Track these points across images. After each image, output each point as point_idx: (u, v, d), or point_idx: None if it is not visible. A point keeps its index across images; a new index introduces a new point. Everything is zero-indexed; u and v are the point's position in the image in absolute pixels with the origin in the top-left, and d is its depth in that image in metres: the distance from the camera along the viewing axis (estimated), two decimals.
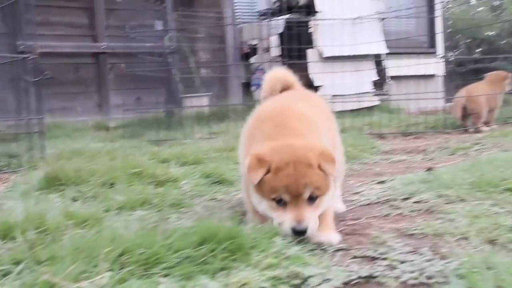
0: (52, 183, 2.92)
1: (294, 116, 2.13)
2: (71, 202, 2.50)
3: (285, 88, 2.62)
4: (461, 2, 10.26)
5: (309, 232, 1.87)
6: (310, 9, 9.10)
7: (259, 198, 1.94)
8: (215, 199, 2.87)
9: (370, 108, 8.68)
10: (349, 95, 8.58)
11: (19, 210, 2.09)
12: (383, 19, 9.56)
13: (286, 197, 1.88)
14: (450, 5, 13.32)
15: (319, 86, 8.91)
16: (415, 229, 2.03)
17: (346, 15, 8.60)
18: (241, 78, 9.57)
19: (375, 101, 9.14)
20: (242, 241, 1.77)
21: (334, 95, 8.63)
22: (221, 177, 3.36)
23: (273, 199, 1.90)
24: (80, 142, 5.83)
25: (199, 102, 8.00)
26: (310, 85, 8.90)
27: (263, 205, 1.94)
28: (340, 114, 7.48)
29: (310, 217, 1.87)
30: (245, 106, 8.16)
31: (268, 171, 1.89)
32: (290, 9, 9.06)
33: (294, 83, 2.67)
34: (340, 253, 1.86)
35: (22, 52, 6.79)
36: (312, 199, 1.90)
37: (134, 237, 1.75)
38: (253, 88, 9.57)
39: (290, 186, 1.86)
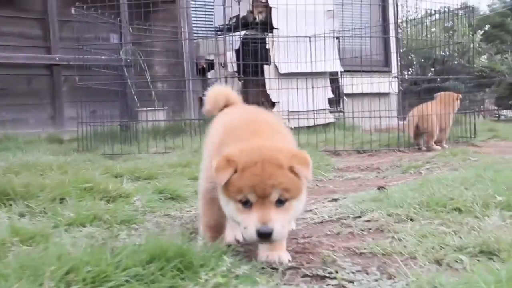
0: None
1: (267, 125, 2.06)
2: (18, 217, 2.43)
3: (228, 104, 2.58)
4: (415, 22, 10.53)
5: (275, 236, 1.74)
6: (267, 26, 9.20)
7: (225, 200, 1.83)
8: (168, 215, 2.84)
9: (325, 125, 8.80)
10: (304, 111, 8.67)
11: None
12: (338, 37, 9.74)
13: (252, 198, 1.76)
14: (404, 25, 13.68)
15: (275, 102, 8.98)
16: (365, 248, 2.06)
17: (302, 33, 8.71)
18: (198, 92, 9.55)
19: (330, 118, 9.28)
20: (191, 259, 1.75)
21: (290, 111, 8.72)
22: (175, 193, 3.34)
23: (240, 201, 1.78)
24: (32, 155, 5.70)
25: (155, 116, 7.94)
26: (268, 100, 8.98)
27: (230, 208, 1.82)
28: (296, 130, 7.57)
29: (277, 219, 1.74)
30: (202, 120, 8.16)
31: (235, 171, 1.79)
32: (247, 25, 9.13)
33: (236, 100, 2.64)
34: (290, 271, 1.87)
35: None
36: (281, 202, 1.78)
37: (82, 255, 1.71)
38: None
39: (256, 186, 1.75)
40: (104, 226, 2.35)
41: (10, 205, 2.76)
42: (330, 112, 9.60)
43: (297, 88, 8.62)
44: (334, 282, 1.72)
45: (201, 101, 9.62)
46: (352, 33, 9.51)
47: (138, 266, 1.70)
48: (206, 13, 10.66)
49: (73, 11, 6.52)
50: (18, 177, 3.21)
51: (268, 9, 9.33)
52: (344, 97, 9.86)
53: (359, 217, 2.61)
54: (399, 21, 10.99)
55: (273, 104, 9.06)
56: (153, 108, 8.29)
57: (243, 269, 1.73)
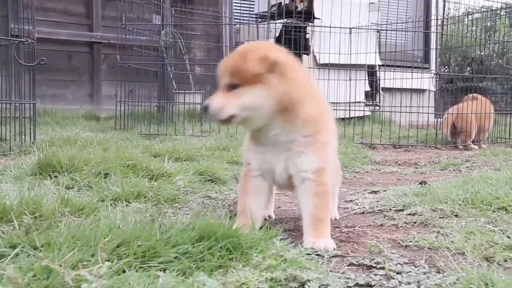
0: (45, 169, 2.89)
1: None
2: (66, 189, 2.47)
3: None
4: (454, 20, 10.32)
5: (210, 111, 1.91)
6: (308, 15, 9.13)
7: None
8: (209, 197, 2.86)
9: (360, 118, 8.73)
10: (340, 103, 8.61)
11: (14, 194, 2.06)
12: (379, 31, 9.63)
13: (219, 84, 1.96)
14: (444, 23, 13.44)
15: None
16: (410, 241, 2.04)
17: (343, 24, 8.62)
18: None
19: (366, 111, 9.20)
20: (240, 241, 1.76)
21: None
22: (214, 175, 3.36)
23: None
24: (71, 130, 5.79)
25: (192, 99, 7.97)
26: None
27: None
28: None
29: (216, 98, 1.92)
30: None
31: None
32: (287, 14, 9.08)
33: None
34: (336, 259, 1.86)
35: (15, 36, 6.72)
36: (233, 87, 1.91)
37: (132, 229, 1.73)
38: None
39: (218, 73, 1.95)
40: (150, 203, 2.37)
41: (56, 177, 2.81)
42: (366, 105, 9.51)
43: (335, 79, 8.57)
44: (381, 272, 1.70)
45: None
46: (396, 26, 9.36)
47: (187, 244, 1.71)
48: None
49: None
50: (62, 150, 3.25)
51: None
52: (381, 91, 9.76)
53: (402, 210, 2.58)
54: (440, 17, 10.80)
55: None
56: (191, 91, 8.33)
57: (292, 253, 1.73)
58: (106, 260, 1.57)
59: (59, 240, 1.66)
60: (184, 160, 4.02)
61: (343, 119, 8.13)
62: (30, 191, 2.15)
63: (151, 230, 1.74)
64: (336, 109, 8.18)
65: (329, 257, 1.88)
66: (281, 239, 1.89)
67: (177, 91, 8.10)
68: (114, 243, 1.65)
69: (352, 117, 8.44)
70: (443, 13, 8.45)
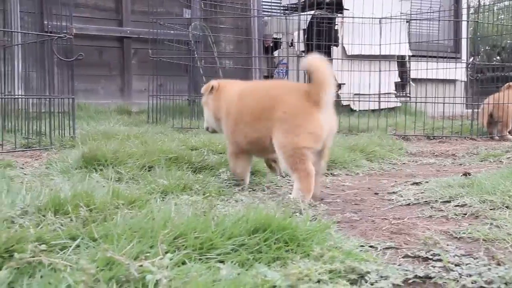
0: (90, 163, 2.92)
1: None
2: (114, 182, 2.50)
3: None
4: (484, 9, 10.14)
5: None
6: (337, 7, 9.07)
7: None
8: (252, 189, 2.86)
9: (391, 109, 8.64)
10: (370, 94, 8.53)
11: (66, 187, 2.09)
12: (408, 20, 9.51)
13: None
14: (472, 11, 13.21)
15: (342, 84, 8.88)
16: (463, 233, 2.01)
17: (373, 14, 8.54)
18: (263, 71, 9.55)
19: (396, 102, 9.11)
20: (295, 233, 1.76)
21: (355, 94, 8.61)
22: (255, 168, 3.35)
23: None
24: (105, 124, 5.85)
25: None
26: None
27: None
28: (362, 113, 7.49)
29: None
30: None
31: None
32: (315, 5, 9.02)
33: None
34: (389, 251, 1.85)
35: (49, 32, 6.80)
36: None
37: (188, 221, 1.74)
38: None
39: None
40: (198, 196, 2.38)
41: (101, 170, 2.84)
42: (396, 96, 9.42)
43: (364, 71, 8.50)
44: (439, 264, 1.68)
45: (266, 78, 9.63)
46: (428, 15, 9.23)
47: (243, 236, 1.71)
48: None
49: None
50: (105, 144, 3.28)
51: None
52: (411, 82, 9.65)
53: (449, 201, 2.55)
54: (472, 5, 10.63)
55: (339, 86, 8.96)
56: None
57: (349, 245, 1.72)
58: (166, 252, 1.59)
59: (117, 232, 1.68)
60: (221, 153, 4.02)
61: (373, 110, 8.06)
62: (82, 184, 2.17)
63: (207, 222, 1.75)
64: (367, 101, 8.13)
65: (383, 248, 1.86)
66: (334, 231, 1.88)
67: None
68: (172, 235, 1.66)
69: (382, 109, 8.35)
70: (478, 1, 8.29)
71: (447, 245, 1.86)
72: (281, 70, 9.51)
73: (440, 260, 1.71)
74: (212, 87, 3.10)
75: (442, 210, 2.41)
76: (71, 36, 4.11)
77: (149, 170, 2.88)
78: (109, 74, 8.68)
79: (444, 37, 10.63)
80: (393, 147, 4.84)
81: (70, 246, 1.60)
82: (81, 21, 8.27)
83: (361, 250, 1.79)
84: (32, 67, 5.13)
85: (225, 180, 2.92)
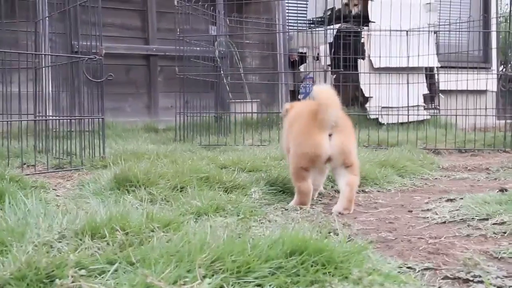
0: (122, 184, 2.96)
1: None
2: (148, 204, 2.53)
3: None
4: None
5: None
6: (363, 19, 9.07)
7: None
8: (284, 208, 2.86)
9: (419, 122, 8.57)
10: (398, 107, 8.49)
11: (102, 210, 2.12)
12: (436, 32, 9.45)
13: None
14: (501, 21, 13.05)
15: (369, 97, 8.85)
16: (504, 253, 1.98)
17: (398, 26, 8.51)
18: (289, 85, 9.57)
19: (425, 115, 9.03)
20: (332, 255, 1.76)
21: (383, 107, 8.57)
22: (285, 186, 3.36)
23: None
24: (133, 143, 5.93)
25: (248, 108, 8.02)
26: (356, 96, 8.86)
27: None
28: (390, 126, 7.44)
29: None
30: None
31: None
32: (342, 18, 9.03)
33: None
34: (428, 272, 1.84)
35: (76, 52, 6.92)
36: None
37: (224, 245, 1.75)
38: (301, 96, 9.55)
39: None
40: (232, 217, 2.40)
41: (134, 191, 2.88)
42: (425, 108, 9.34)
43: (391, 83, 8.46)
44: (481, 286, 1.67)
45: (292, 94, 9.65)
46: (457, 26, 9.17)
47: (279, 258, 1.72)
48: (298, 5, 10.65)
49: (175, 2, 6.67)
50: (136, 164, 3.33)
51: (364, 1, 9.20)
52: (440, 94, 9.57)
53: (486, 219, 2.52)
54: (502, 15, 10.53)
55: (366, 99, 8.93)
56: (246, 100, 8.39)
57: (388, 267, 1.72)
58: (203, 276, 1.60)
59: (154, 256, 1.70)
60: (250, 171, 4.04)
61: (402, 123, 8.00)
62: (116, 206, 2.20)
63: (243, 245, 1.76)
64: (395, 114, 8.08)
65: (421, 269, 1.85)
66: (371, 252, 1.88)
67: (234, 101, 8.17)
68: (209, 259, 1.67)
69: (411, 122, 8.28)
70: (510, 10, 8.19)
71: (488, 266, 1.83)
72: (307, 84, 9.52)
73: (481, 282, 1.69)
74: (286, 110, 3.43)
75: (480, 229, 2.38)
76: (101, 57, 4.19)
77: (181, 191, 2.90)
78: (136, 92, 8.81)
79: (474, 47, 10.53)
80: (424, 161, 4.80)
81: (109, 271, 1.62)
82: (108, 40, 8.41)
83: (399, 272, 1.78)
84: (61, 87, 5.22)
85: (257, 199, 2.93)
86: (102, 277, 1.60)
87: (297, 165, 2.92)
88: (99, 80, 4.19)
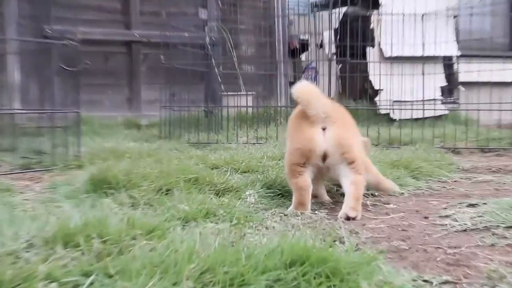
0: (100, 186, 2.95)
1: None
2: (128, 208, 2.52)
3: None
4: None
5: None
6: (372, 2, 9.07)
7: None
8: (283, 213, 2.86)
9: (436, 118, 8.58)
10: (412, 101, 8.50)
11: (76, 215, 2.11)
12: (455, 16, 9.46)
13: None
14: None
15: (379, 90, 8.86)
16: None
17: (412, 10, 8.53)
18: (289, 76, 9.58)
19: (443, 110, 9.05)
20: (337, 265, 1.75)
21: (395, 101, 8.58)
22: (284, 189, 3.35)
23: None
24: (112, 140, 5.92)
25: (242, 101, 8.00)
26: (365, 89, 8.88)
27: None
28: (403, 122, 7.44)
29: None
30: (293, 108, 8.14)
31: None
32: (348, 1, 9.04)
33: None
34: (447, 286, 1.83)
35: (47, 37, 6.91)
36: None
37: (215, 254, 1.74)
38: None
39: None
40: (224, 223, 2.39)
41: (113, 194, 2.87)
42: (443, 102, 9.36)
43: (405, 74, 8.48)
44: None
45: (292, 85, 9.65)
46: (474, 11, 9.19)
47: (278, 269, 1.71)
48: None
49: None
50: (116, 164, 3.32)
51: None
52: (460, 86, 9.59)
53: None
54: None
55: (376, 92, 8.94)
56: (240, 93, 8.39)
57: (400, 280, 1.71)
58: None
59: (135, 267, 1.69)
60: (245, 172, 4.04)
61: (416, 120, 8.01)
62: (92, 211, 2.19)
63: (237, 254, 1.75)
64: (409, 109, 8.08)
65: (439, 283, 1.85)
66: (382, 263, 1.87)
67: (226, 93, 8.16)
68: (198, 270, 1.66)
69: (427, 117, 8.30)
70: None
71: None
72: (310, 75, 9.53)
73: None
74: None
75: (505, 237, 2.38)
76: (76, 43, 4.18)
77: (166, 194, 2.90)
78: (116, 83, 8.79)
79: (499, 33, 10.56)
80: (442, 162, 4.79)
81: (83, 284, 1.61)
82: (84, 24, 8.40)
83: (414, 286, 1.78)
84: (30, 77, 5.21)
85: (252, 204, 2.92)
86: None
87: (291, 162, 2.99)
88: (73, 69, 4.17)
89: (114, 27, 8.76)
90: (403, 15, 8.38)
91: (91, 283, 1.62)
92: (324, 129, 2.93)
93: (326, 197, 3.43)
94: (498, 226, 2.56)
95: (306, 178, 2.97)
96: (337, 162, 2.95)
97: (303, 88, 3.02)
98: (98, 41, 8.52)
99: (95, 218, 2.06)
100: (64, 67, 4.11)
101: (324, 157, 2.94)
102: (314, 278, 1.70)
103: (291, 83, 9.67)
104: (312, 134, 2.93)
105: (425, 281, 1.86)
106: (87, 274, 1.67)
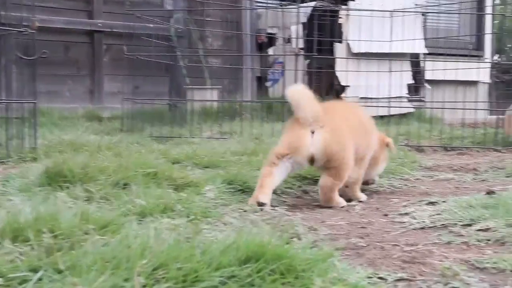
0: (55, 179, 2.92)
1: None
2: (83, 203, 2.50)
3: None
4: None
5: None
6: None
7: None
8: (242, 209, 2.87)
9: (403, 116, 8.69)
10: (379, 98, 8.58)
11: (27, 209, 2.08)
12: (423, 14, 9.56)
13: None
14: (497, 2, 13.27)
15: (346, 86, 8.92)
16: (487, 262, 2.02)
17: (380, 6, 8.59)
18: (256, 71, 9.59)
19: (409, 107, 9.15)
20: (293, 262, 1.76)
21: (361, 98, 8.66)
22: (245, 185, 3.37)
23: None
24: (71, 132, 5.85)
25: (207, 95, 7.99)
26: (332, 85, 8.93)
27: None
28: None
29: None
30: (259, 104, 8.17)
31: None
32: None
33: None
34: (401, 283, 1.86)
35: (3, 24, 6.78)
36: None
37: (169, 250, 1.74)
38: (268, 83, 9.58)
39: None
40: (181, 218, 2.39)
41: (68, 188, 2.84)
42: (409, 100, 9.47)
43: (372, 71, 8.55)
44: None
45: (259, 80, 9.67)
46: (443, 9, 9.32)
47: (232, 266, 1.71)
48: None
49: None
50: (72, 157, 3.29)
51: None
52: (426, 84, 9.71)
53: (470, 225, 2.56)
54: None
55: (343, 88, 9.00)
56: (205, 87, 8.37)
57: (354, 277, 1.73)
58: (143, 286, 1.59)
59: (86, 262, 1.68)
60: (207, 167, 4.05)
61: (382, 117, 8.08)
62: (45, 205, 2.17)
63: (191, 250, 1.75)
64: (375, 106, 8.16)
65: (394, 280, 1.87)
66: (338, 260, 1.89)
67: (191, 87, 8.13)
68: (151, 265, 1.66)
69: (393, 115, 8.38)
70: None
71: (469, 277, 1.87)
72: (277, 70, 9.55)
73: None
74: None
75: (462, 235, 2.43)
76: (34, 31, 4.11)
77: (124, 188, 2.88)
78: (77, 73, 8.68)
79: (465, 32, 10.72)
80: (405, 160, 4.86)
81: (31, 280, 1.59)
82: (44, 11, 8.25)
83: (369, 283, 1.80)
84: None
85: (212, 199, 2.92)
86: (23, 287, 1.57)
87: (274, 151, 3.14)
88: (31, 58, 4.12)
89: (76, 15, 8.64)
90: (372, 11, 8.43)
91: (40, 279, 1.60)
92: (313, 132, 3.07)
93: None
94: (455, 224, 2.61)
95: (273, 170, 3.07)
96: (324, 166, 3.14)
97: (295, 91, 3.16)
98: (59, 29, 8.39)
99: (47, 212, 2.03)
100: (21, 56, 4.04)
101: (312, 160, 3.10)
102: (269, 275, 1.71)
103: (258, 78, 9.74)
104: (301, 135, 3.08)
105: (380, 278, 1.88)
106: (35, 270, 1.65)
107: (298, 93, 3.16)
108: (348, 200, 3.33)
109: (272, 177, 3.05)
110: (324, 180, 3.14)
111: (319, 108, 3.13)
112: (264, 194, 2.99)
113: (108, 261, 1.70)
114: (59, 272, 1.66)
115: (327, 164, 3.11)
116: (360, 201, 3.36)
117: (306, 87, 3.22)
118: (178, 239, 1.88)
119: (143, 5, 7.59)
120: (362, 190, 3.57)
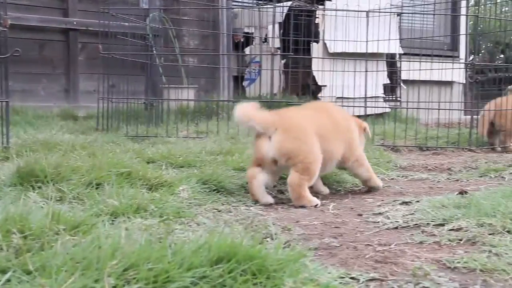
0: (26, 179, 2.88)
1: None
2: (55, 203, 2.47)
3: None
4: (487, 0, 10.34)
5: None
6: None
7: None
8: (217, 209, 2.87)
9: (379, 115, 8.74)
10: (355, 98, 8.61)
11: None
12: (399, 14, 9.63)
13: None
14: (472, 3, 13.38)
15: (322, 86, 8.95)
16: (458, 262, 2.04)
17: (356, 6, 8.63)
18: (232, 70, 9.58)
19: (385, 107, 9.21)
20: (265, 262, 1.76)
21: (338, 97, 8.69)
22: (220, 184, 3.37)
23: None
24: (46, 132, 5.79)
25: (184, 94, 7.96)
26: (309, 84, 8.95)
27: None
28: None
29: None
30: (236, 103, 8.14)
31: None
32: None
33: None
34: (373, 283, 1.87)
35: None
36: None
37: (140, 250, 1.73)
38: (245, 83, 9.58)
39: None
40: (154, 218, 2.38)
41: (40, 188, 2.81)
42: (385, 100, 9.53)
43: (348, 71, 8.58)
44: None
45: (236, 80, 9.67)
46: (421, 8, 9.39)
47: (204, 266, 1.71)
48: None
49: None
50: (45, 156, 3.25)
51: None
52: (402, 84, 9.78)
53: (442, 225, 2.59)
54: None
55: (319, 88, 9.03)
56: (181, 86, 8.34)
57: (326, 277, 1.73)
58: (113, 287, 1.58)
59: (56, 263, 1.67)
60: (182, 167, 4.03)
61: (358, 116, 8.11)
62: (15, 205, 2.15)
63: (162, 250, 1.74)
64: (351, 106, 8.20)
65: (366, 280, 1.88)
66: (310, 260, 1.90)
67: (168, 86, 8.09)
68: (121, 266, 1.65)
69: (369, 115, 8.43)
70: None
71: (439, 276, 1.88)
72: (253, 70, 9.55)
73: None
74: None
75: (434, 235, 2.45)
76: (6, 28, 4.06)
77: (97, 188, 2.86)
78: (52, 72, 8.59)
79: (440, 33, 10.82)
80: (380, 159, 4.89)
81: (0, 281, 1.58)
82: (17, 9, 8.16)
83: (340, 283, 1.81)
84: None
85: (186, 199, 2.92)
86: None
87: (249, 166, 3.37)
88: (2, 57, 4.07)
89: (51, 13, 8.55)
90: (348, 11, 8.46)
91: (8, 280, 1.59)
92: (270, 137, 3.23)
93: (322, 189, 3.70)
94: (428, 224, 2.64)
95: (256, 173, 3.26)
96: (287, 165, 3.25)
97: (238, 112, 3.29)
98: (33, 27, 8.30)
99: (17, 213, 2.01)
100: None
101: (276, 162, 3.24)
102: (240, 275, 1.71)
103: (235, 77, 9.73)
104: (258, 144, 3.26)
105: (352, 278, 1.89)
106: (4, 271, 1.64)
107: (240, 113, 3.27)
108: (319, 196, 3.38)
109: (252, 179, 3.27)
110: (291, 176, 3.21)
111: (266, 115, 3.29)
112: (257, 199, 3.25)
113: (78, 261, 1.69)
114: (28, 273, 1.64)
115: (290, 162, 3.19)
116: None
117: (247, 104, 3.37)
118: (150, 240, 1.87)
119: (118, 3, 7.54)
120: (328, 184, 3.79)
